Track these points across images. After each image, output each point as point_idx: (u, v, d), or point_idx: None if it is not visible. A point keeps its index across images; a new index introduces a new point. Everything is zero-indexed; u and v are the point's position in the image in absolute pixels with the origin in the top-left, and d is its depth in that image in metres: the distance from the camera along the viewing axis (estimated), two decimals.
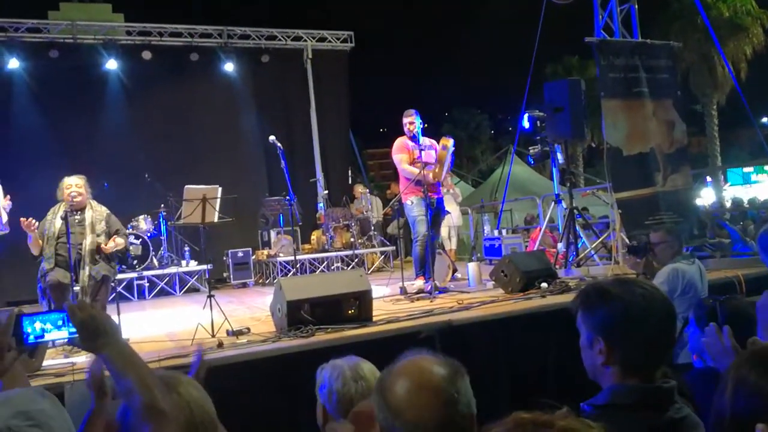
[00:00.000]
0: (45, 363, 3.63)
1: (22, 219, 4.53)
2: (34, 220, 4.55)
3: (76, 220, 4.75)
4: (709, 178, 22.53)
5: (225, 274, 9.29)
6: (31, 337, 1.54)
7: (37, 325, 1.55)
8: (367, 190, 10.24)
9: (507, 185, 10.21)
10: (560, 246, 6.79)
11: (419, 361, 1.30)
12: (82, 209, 4.83)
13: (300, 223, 8.63)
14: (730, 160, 26.46)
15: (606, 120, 6.36)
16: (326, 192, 10.38)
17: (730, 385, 1.26)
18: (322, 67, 11.45)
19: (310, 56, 11.36)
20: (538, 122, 6.79)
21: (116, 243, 4.76)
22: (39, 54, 9.51)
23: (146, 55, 9.98)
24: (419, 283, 5.72)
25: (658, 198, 6.38)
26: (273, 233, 9.73)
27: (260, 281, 9.45)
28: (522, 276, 5.17)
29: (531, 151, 6.85)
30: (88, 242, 4.68)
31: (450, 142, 5.72)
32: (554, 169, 7.21)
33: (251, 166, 10.51)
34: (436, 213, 5.90)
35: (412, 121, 5.77)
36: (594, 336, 1.48)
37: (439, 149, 5.77)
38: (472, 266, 6.28)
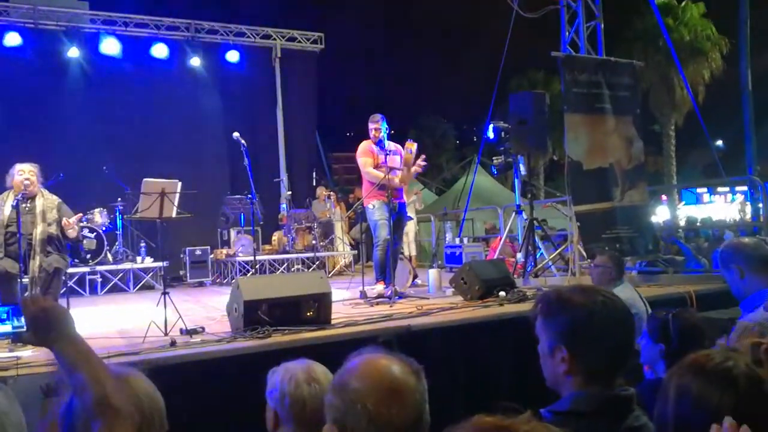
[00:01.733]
0: None
1: None
2: None
3: (26, 209, 4.58)
4: (664, 197, 23.21)
5: (182, 272, 9.10)
6: None
7: None
8: (331, 193, 10.20)
9: (470, 194, 10.30)
10: (519, 256, 6.88)
11: (381, 360, 1.27)
12: (33, 198, 4.66)
13: (261, 223, 8.53)
14: (685, 180, 27.31)
15: (568, 134, 6.47)
16: (289, 193, 10.30)
17: (672, 394, 1.27)
18: (291, 66, 11.37)
19: (278, 55, 11.27)
20: (503, 133, 6.87)
21: (77, 217, 4.64)
22: None
23: (110, 44, 9.73)
24: (379, 287, 5.71)
25: (616, 212, 6.53)
26: (233, 232, 9.59)
27: (218, 281, 9.29)
28: (481, 284, 5.21)
29: (495, 161, 6.93)
30: (38, 231, 4.52)
31: (414, 146, 5.74)
32: (516, 180, 7.30)
33: (214, 163, 10.35)
34: (398, 218, 5.90)
35: (378, 128, 5.77)
36: (555, 344, 1.48)
37: (405, 153, 5.78)
38: (432, 273, 6.31)
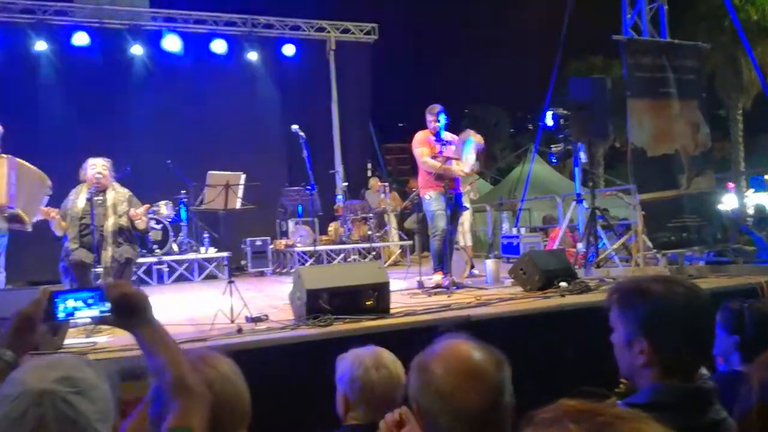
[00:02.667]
0: (66, 342, 3.68)
1: (41, 208, 4.61)
2: (53, 209, 4.64)
3: (99, 201, 4.80)
4: (731, 184, 22.21)
5: (243, 262, 9.34)
6: (62, 313, 1.55)
7: (69, 303, 1.56)
8: (386, 184, 10.23)
9: (527, 183, 10.14)
10: (580, 246, 6.73)
11: (463, 345, 1.28)
12: (105, 191, 4.88)
13: (320, 213, 8.65)
14: (754, 166, 26.04)
15: (631, 120, 6.27)
16: (345, 184, 10.39)
17: (756, 388, 1.24)
18: (345, 58, 11.44)
19: (333, 47, 11.35)
20: (562, 120, 6.72)
21: (145, 208, 4.83)
22: (65, 37, 9.60)
23: (171, 41, 10.03)
24: (437, 277, 5.71)
25: (682, 200, 6.29)
26: (291, 223, 9.76)
27: (277, 270, 9.49)
28: (541, 274, 5.13)
29: (553, 149, 6.78)
30: (110, 223, 4.73)
31: (479, 137, 5.68)
32: (576, 169, 7.13)
33: (271, 156, 10.53)
34: (454, 208, 5.87)
35: (437, 119, 5.72)
36: (633, 335, 1.44)
37: (474, 142, 5.70)
38: (490, 263, 6.25)
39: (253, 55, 10.66)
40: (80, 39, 9.58)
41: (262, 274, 9.14)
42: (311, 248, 8.95)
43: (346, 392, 1.82)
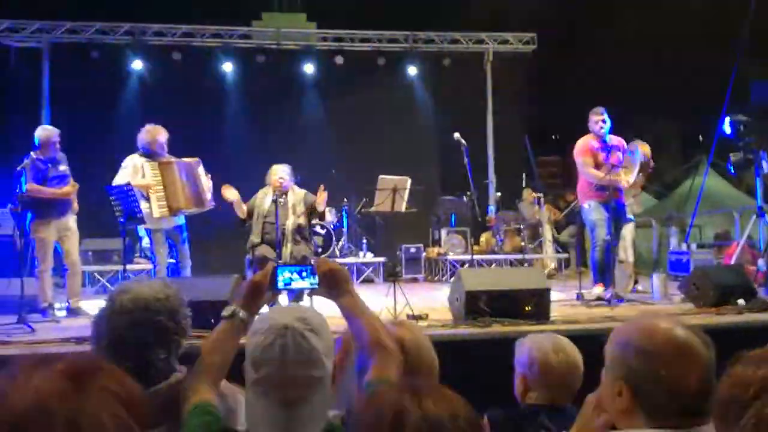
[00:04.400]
0: None
1: (224, 186, 5.24)
2: (236, 194, 5.27)
3: (281, 203, 5.34)
4: None
5: (397, 268, 9.70)
6: (281, 283, 1.84)
7: (286, 275, 1.85)
8: (540, 195, 10.08)
9: (699, 197, 9.42)
10: (761, 263, 6.15)
11: (671, 325, 1.32)
12: (286, 193, 5.43)
13: (479, 219, 8.76)
14: None
15: None
16: (498, 194, 10.39)
17: None
18: (502, 69, 11.47)
19: (490, 59, 11.44)
20: (742, 127, 6.21)
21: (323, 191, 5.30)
22: (246, 58, 10.71)
23: (338, 59, 10.78)
24: (598, 289, 5.55)
25: None
26: (444, 232, 9.96)
27: (429, 278, 9.74)
28: (715, 290, 4.79)
29: (732, 158, 6.27)
30: (290, 223, 5.27)
31: (647, 148, 5.47)
32: (757, 180, 6.53)
33: (426, 166, 10.83)
34: (617, 218, 5.68)
35: (604, 119, 5.59)
36: None
37: (641, 158, 5.52)
38: (657, 278, 5.94)
39: (412, 70, 11.10)
40: (260, 59, 10.63)
41: (415, 280, 9.44)
42: (463, 257, 9.08)
43: (525, 374, 1.93)
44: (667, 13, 11.26)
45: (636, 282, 6.85)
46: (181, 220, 5.57)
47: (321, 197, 5.27)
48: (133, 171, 5.35)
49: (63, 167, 5.46)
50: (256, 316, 1.55)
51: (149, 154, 5.49)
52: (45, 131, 5.46)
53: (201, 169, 5.64)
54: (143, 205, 5.18)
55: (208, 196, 5.62)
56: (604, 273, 5.56)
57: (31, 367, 0.92)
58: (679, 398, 1.23)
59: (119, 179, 5.31)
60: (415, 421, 0.98)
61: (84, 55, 10.19)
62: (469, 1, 11.47)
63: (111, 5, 10.25)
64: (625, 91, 12.95)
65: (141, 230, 7.58)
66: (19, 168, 5.15)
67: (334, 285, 1.77)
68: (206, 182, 5.59)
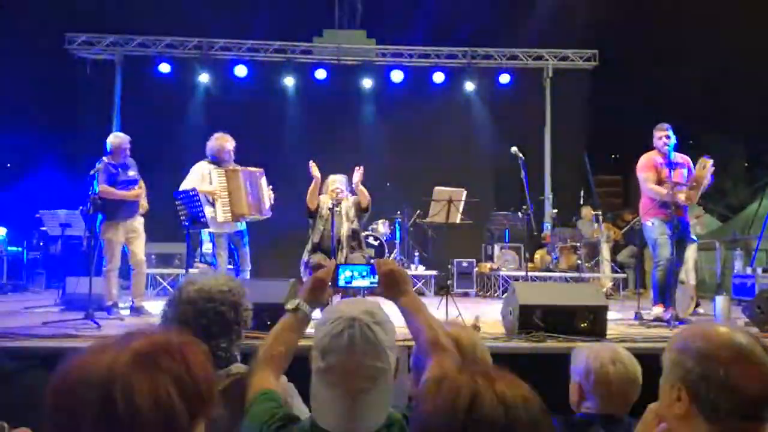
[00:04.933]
0: None
1: (312, 163, 5.41)
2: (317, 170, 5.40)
3: (336, 211, 5.46)
4: None
5: (449, 282, 9.66)
6: (342, 281, 1.90)
7: (347, 273, 1.90)
8: (598, 213, 9.86)
9: (767, 220, 9.03)
10: None
11: (729, 330, 1.30)
12: (341, 202, 5.55)
13: (536, 233, 8.67)
14: None
15: None
16: (555, 211, 10.24)
17: None
18: (562, 85, 11.34)
19: (550, 75, 11.34)
20: None
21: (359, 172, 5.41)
22: (308, 73, 10.98)
23: (396, 74, 10.91)
24: (657, 310, 5.39)
25: None
26: (497, 247, 9.87)
27: (480, 293, 9.66)
28: None
29: None
30: (344, 229, 5.38)
31: (709, 163, 5.31)
32: None
33: (480, 180, 10.76)
34: (680, 237, 5.51)
35: (668, 135, 5.45)
36: None
37: (698, 169, 5.37)
38: (720, 300, 5.71)
39: (470, 85, 11.11)
40: (320, 74, 10.87)
41: (466, 294, 9.37)
42: (517, 273, 8.98)
43: (581, 383, 1.91)
44: (732, 28, 10.88)
45: (698, 305, 6.62)
46: (242, 225, 5.76)
47: (356, 176, 5.35)
48: (200, 177, 5.58)
49: (132, 173, 5.74)
50: (326, 308, 1.61)
51: (216, 161, 5.71)
52: (117, 138, 5.76)
53: (264, 180, 5.83)
54: (208, 210, 5.38)
55: (267, 205, 5.81)
56: (664, 293, 5.39)
57: (113, 342, 0.98)
58: (738, 402, 1.21)
59: (186, 184, 5.54)
60: (491, 404, 0.99)
61: (153, 68, 10.69)
62: (528, 16, 11.40)
63: (180, 21, 10.71)
64: (689, 109, 12.55)
65: (204, 234, 7.86)
66: (92, 172, 5.43)
67: (394, 285, 1.81)
68: (267, 192, 5.79)
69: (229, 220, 5.55)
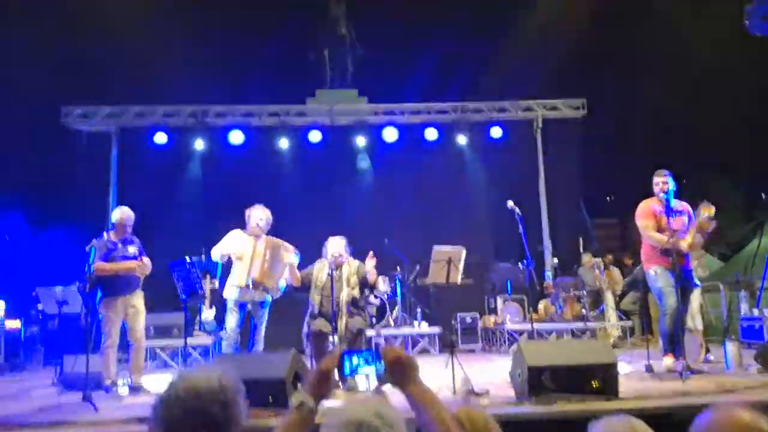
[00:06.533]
0: None
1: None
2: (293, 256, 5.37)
3: (336, 276, 5.38)
4: None
5: (453, 338, 9.51)
6: (348, 369, 1.84)
7: (354, 360, 1.85)
8: (599, 260, 9.81)
9: None
10: None
11: (748, 415, 1.26)
12: (341, 266, 5.47)
13: (538, 288, 8.59)
14: None
15: None
16: (555, 260, 10.18)
17: None
18: (553, 135, 11.49)
19: (540, 125, 11.50)
20: None
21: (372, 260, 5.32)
22: (302, 135, 11.10)
23: (389, 132, 11.05)
24: (668, 361, 5.28)
25: None
26: (500, 300, 9.76)
27: (486, 347, 9.49)
28: None
29: None
30: (344, 295, 5.28)
31: (712, 210, 5.30)
32: None
33: (479, 233, 10.77)
34: (684, 285, 5.46)
35: (665, 181, 5.44)
36: None
37: (700, 218, 5.34)
38: (730, 347, 5.62)
39: (462, 139, 11.24)
40: (314, 136, 11.00)
41: (471, 351, 9.21)
42: (522, 326, 8.86)
43: None
44: (724, 69, 11.10)
45: (707, 351, 6.50)
46: (267, 297, 5.64)
47: (370, 264, 5.29)
48: (230, 242, 5.54)
49: (132, 249, 5.67)
50: (331, 408, 1.53)
51: (247, 229, 5.67)
52: (121, 213, 5.72)
53: (288, 257, 5.64)
54: (233, 276, 5.37)
55: (281, 283, 5.66)
56: (674, 343, 5.30)
57: None
58: None
59: (217, 249, 5.56)
60: None
61: (149, 137, 10.80)
62: (515, 68, 11.65)
63: (175, 89, 10.90)
64: (682, 148, 12.68)
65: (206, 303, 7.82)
66: (87, 248, 5.38)
67: (401, 373, 1.75)
68: (285, 271, 5.60)
69: (242, 284, 5.45)
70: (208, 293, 8.47)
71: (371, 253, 5.39)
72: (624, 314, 9.83)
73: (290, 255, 5.54)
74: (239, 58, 11.00)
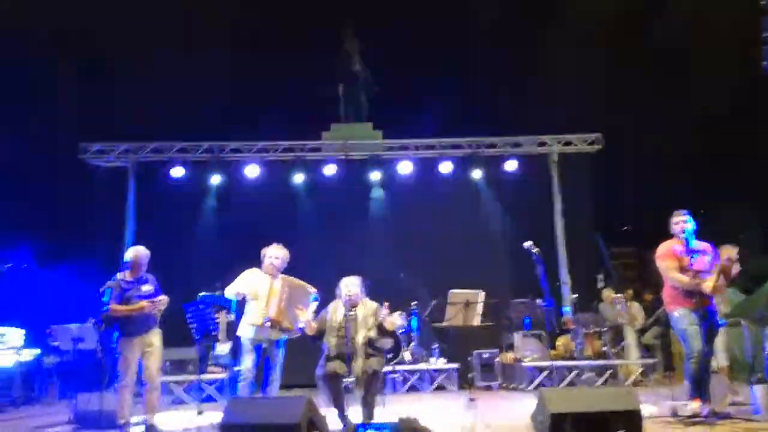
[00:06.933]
0: None
1: (307, 321, 5.27)
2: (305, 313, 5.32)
3: (351, 317, 5.30)
4: None
5: (471, 375, 9.32)
6: None
7: None
8: (620, 295, 9.62)
9: None
10: None
11: None
12: (356, 306, 5.39)
13: (557, 331, 8.45)
14: None
15: None
16: (575, 296, 10.02)
17: None
18: (568, 170, 11.41)
19: (555, 160, 11.44)
20: None
21: (394, 319, 5.25)
22: (317, 169, 11.15)
23: (404, 166, 11.07)
24: (694, 405, 5.10)
25: None
26: (518, 336, 9.58)
27: (503, 385, 9.29)
28: None
29: None
30: (360, 336, 5.19)
31: (734, 252, 5.18)
32: None
33: (494, 268, 10.65)
34: (710, 326, 5.32)
35: (685, 221, 5.34)
36: None
37: (722, 261, 5.22)
38: (758, 389, 5.44)
39: (476, 173, 11.21)
40: (329, 170, 11.04)
41: (489, 388, 9.03)
42: (541, 363, 8.68)
43: None
44: (735, 95, 11.03)
45: (734, 392, 6.29)
46: (283, 337, 5.56)
47: (389, 323, 5.23)
48: (245, 281, 5.51)
49: (147, 287, 5.65)
50: None
51: (263, 267, 5.63)
52: (135, 252, 5.71)
53: (309, 299, 5.60)
54: (248, 315, 5.32)
55: (297, 324, 5.58)
56: (700, 386, 5.13)
57: None
58: None
59: (232, 288, 5.49)
60: None
61: (166, 172, 10.90)
62: (528, 103, 11.67)
63: (192, 125, 11.04)
64: (697, 178, 12.58)
65: (223, 333, 7.77)
66: (102, 289, 5.38)
67: None
68: (303, 312, 5.48)
69: (258, 323, 5.38)
70: (223, 326, 8.41)
71: (387, 304, 5.31)
72: (646, 349, 9.59)
73: (308, 298, 5.48)
74: (255, 94, 11.15)
